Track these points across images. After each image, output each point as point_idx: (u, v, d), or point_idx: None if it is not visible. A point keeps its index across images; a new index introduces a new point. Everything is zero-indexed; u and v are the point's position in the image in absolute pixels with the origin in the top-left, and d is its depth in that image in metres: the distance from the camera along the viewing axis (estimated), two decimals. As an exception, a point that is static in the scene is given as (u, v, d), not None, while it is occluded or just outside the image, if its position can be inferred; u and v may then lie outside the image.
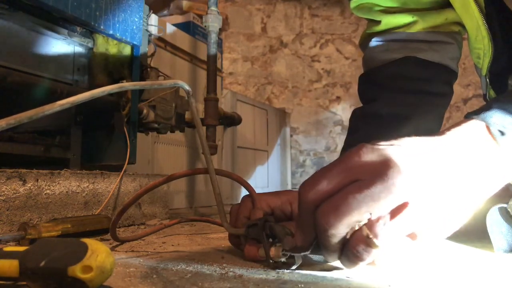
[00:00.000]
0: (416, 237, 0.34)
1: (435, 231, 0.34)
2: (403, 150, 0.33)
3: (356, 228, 0.33)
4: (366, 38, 0.78)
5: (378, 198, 0.31)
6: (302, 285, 0.35)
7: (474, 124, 0.37)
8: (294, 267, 0.41)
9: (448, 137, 0.36)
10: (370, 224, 0.32)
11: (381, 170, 0.31)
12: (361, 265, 0.34)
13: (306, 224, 0.34)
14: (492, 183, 0.37)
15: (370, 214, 0.31)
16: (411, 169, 0.32)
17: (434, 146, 0.34)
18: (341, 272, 0.40)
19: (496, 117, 0.36)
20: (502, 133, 0.35)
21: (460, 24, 0.71)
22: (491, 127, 0.36)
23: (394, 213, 0.31)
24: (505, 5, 0.54)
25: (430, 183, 0.32)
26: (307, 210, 0.34)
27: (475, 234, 0.63)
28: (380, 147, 0.33)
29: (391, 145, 0.33)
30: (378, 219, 0.31)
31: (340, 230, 0.32)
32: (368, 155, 0.32)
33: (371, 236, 0.31)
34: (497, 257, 0.49)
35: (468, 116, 0.38)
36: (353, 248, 0.32)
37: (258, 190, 0.51)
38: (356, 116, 0.73)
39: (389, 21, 0.72)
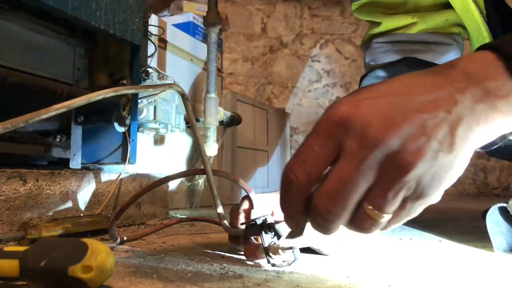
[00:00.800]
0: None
1: (444, 178, 0.30)
2: (392, 100, 0.29)
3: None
4: (367, 40, 0.78)
5: (372, 165, 0.28)
6: (302, 285, 0.35)
7: (481, 55, 0.32)
8: (292, 263, 0.41)
9: (449, 71, 0.31)
10: (370, 197, 0.29)
11: (364, 131, 0.28)
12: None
13: (297, 211, 0.31)
14: (502, 123, 0.31)
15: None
16: (402, 123, 0.28)
17: (430, 85, 0.30)
18: (341, 271, 0.40)
19: (509, 44, 0.31)
20: None
21: (461, 26, 0.71)
22: (504, 54, 0.31)
23: (394, 175, 0.28)
24: (506, 5, 0.53)
25: (432, 130, 0.28)
26: (299, 196, 0.30)
27: (475, 234, 0.63)
28: (356, 103, 0.29)
29: (369, 97, 0.29)
30: (377, 189, 0.29)
31: (345, 214, 0.30)
32: (348, 113, 0.29)
33: (374, 210, 0.29)
34: (497, 257, 0.49)
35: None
36: (359, 225, 0.30)
37: (258, 190, 0.51)
38: None
39: (389, 22, 0.73)
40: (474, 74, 0.30)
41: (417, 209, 0.31)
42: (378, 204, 0.29)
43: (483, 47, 0.32)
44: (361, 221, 0.30)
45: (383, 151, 0.28)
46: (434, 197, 0.30)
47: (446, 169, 0.29)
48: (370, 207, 0.29)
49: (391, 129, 0.28)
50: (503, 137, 0.35)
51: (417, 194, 0.29)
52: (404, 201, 0.30)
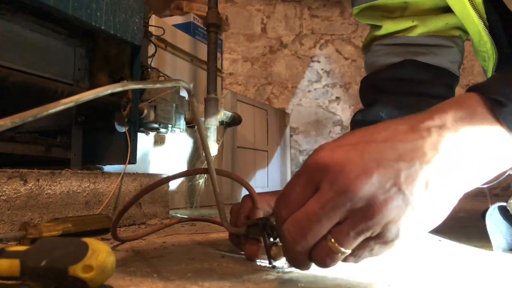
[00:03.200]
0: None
1: (414, 228, 0.31)
2: (369, 148, 0.30)
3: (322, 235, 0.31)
4: (368, 43, 0.78)
5: (337, 208, 0.29)
6: (302, 285, 0.36)
7: (468, 98, 0.32)
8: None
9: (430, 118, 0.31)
10: (334, 231, 0.30)
11: (336, 176, 0.29)
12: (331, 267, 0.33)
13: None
14: (489, 168, 0.32)
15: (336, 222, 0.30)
16: (375, 172, 0.29)
17: (406, 135, 0.31)
18: (341, 271, 0.40)
19: (495, 86, 0.32)
20: (502, 104, 0.31)
21: (461, 29, 0.72)
22: (489, 96, 0.31)
23: (359, 218, 0.29)
24: (508, 9, 0.53)
25: (405, 180, 0.29)
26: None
27: (475, 233, 0.63)
28: (335, 149, 0.31)
29: (354, 142, 0.31)
30: (342, 225, 0.30)
31: (306, 244, 0.31)
32: (325, 159, 0.30)
33: (336, 244, 0.30)
34: (496, 256, 0.49)
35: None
36: (319, 256, 0.32)
37: (258, 190, 0.51)
38: (357, 118, 0.74)
39: (389, 26, 0.73)
40: (462, 120, 0.31)
41: (379, 251, 0.32)
42: (339, 239, 0.30)
43: (471, 89, 0.34)
44: (321, 252, 0.31)
45: (350, 198, 0.29)
46: (401, 243, 0.31)
47: (416, 219, 0.30)
48: (332, 240, 0.30)
49: (362, 178, 0.29)
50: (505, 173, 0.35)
51: (381, 238, 0.31)
52: (367, 241, 0.31)
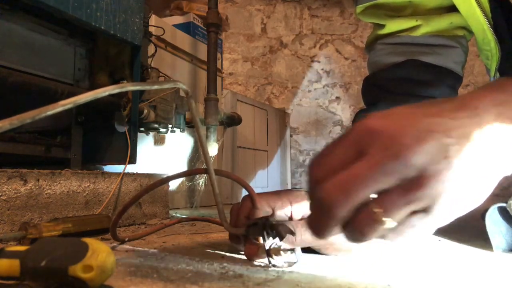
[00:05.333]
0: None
1: (458, 205, 0.30)
2: (421, 119, 0.30)
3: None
4: (371, 42, 0.78)
5: (387, 173, 0.28)
6: (302, 285, 0.36)
7: (506, 83, 0.33)
8: (294, 265, 0.41)
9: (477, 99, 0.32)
10: (380, 199, 0.29)
11: (388, 141, 0.29)
12: (365, 243, 0.31)
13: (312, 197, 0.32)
14: None
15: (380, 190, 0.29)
16: (428, 141, 0.29)
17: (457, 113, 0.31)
18: (341, 271, 0.40)
19: None
20: None
21: (465, 29, 0.72)
22: None
23: (410, 187, 0.28)
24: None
25: (454, 155, 0.29)
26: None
27: (475, 233, 0.63)
28: (387, 117, 0.30)
29: (405, 113, 0.31)
30: (389, 193, 0.29)
31: (347, 206, 0.29)
32: (376, 124, 0.30)
33: (382, 212, 0.29)
34: (496, 257, 0.49)
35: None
36: (359, 226, 0.30)
37: (258, 190, 0.51)
38: (358, 118, 0.73)
39: (393, 25, 0.73)
40: (503, 104, 0.32)
41: (422, 227, 0.31)
42: (387, 207, 0.29)
43: (507, 74, 0.35)
44: (362, 222, 0.29)
45: (403, 164, 0.28)
46: (442, 220, 0.30)
47: (461, 196, 0.30)
48: (377, 209, 0.29)
49: (415, 146, 0.28)
50: None
51: (426, 212, 0.30)
52: (411, 215, 0.30)
